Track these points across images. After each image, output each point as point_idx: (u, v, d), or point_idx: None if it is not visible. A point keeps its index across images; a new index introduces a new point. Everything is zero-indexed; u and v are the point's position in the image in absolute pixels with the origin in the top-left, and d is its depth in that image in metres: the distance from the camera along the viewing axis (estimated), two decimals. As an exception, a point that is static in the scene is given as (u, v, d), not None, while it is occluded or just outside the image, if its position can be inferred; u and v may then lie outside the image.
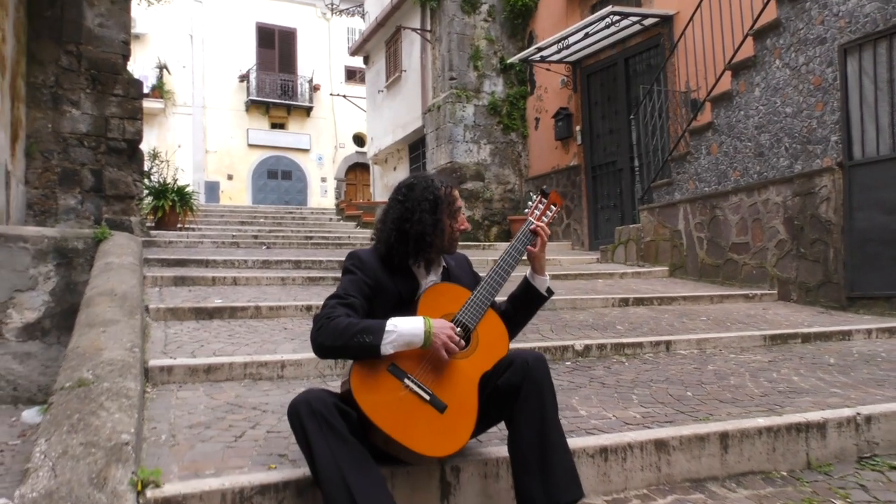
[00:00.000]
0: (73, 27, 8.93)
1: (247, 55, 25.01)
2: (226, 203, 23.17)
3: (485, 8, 11.50)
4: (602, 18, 8.49)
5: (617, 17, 8.48)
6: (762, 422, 2.73)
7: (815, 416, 2.82)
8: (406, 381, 2.01)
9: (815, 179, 6.02)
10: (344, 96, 20.87)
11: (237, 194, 24.66)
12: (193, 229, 9.86)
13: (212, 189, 24.29)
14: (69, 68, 8.90)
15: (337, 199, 24.29)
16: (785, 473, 2.68)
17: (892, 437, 2.91)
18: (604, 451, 2.42)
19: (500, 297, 2.34)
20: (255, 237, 9.50)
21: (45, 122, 8.67)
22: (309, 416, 1.85)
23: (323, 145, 26.19)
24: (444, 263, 2.34)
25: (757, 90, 6.75)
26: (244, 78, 24.96)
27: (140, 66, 22.99)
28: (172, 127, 23.80)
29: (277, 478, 2.00)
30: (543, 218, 2.45)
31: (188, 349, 3.55)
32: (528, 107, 11.68)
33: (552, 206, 2.49)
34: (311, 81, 25.82)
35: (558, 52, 9.74)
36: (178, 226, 9.65)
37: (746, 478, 2.62)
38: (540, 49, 9.81)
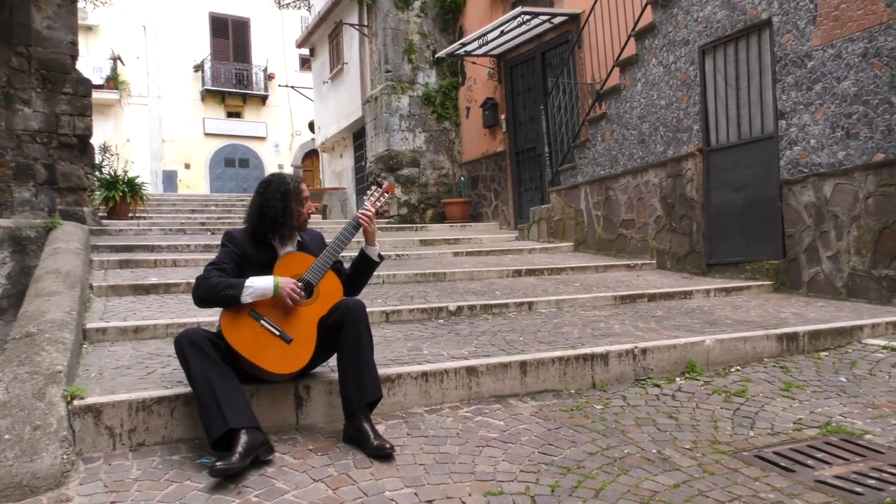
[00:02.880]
0: (22, 29, 9.50)
1: (201, 45, 25.37)
2: (183, 192, 23.66)
3: (417, 4, 12.26)
4: (514, 17, 9.32)
5: (527, 17, 9.31)
6: (557, 353, 3.62)
7: (599, 349, 3.72)
8: (262, 321, 2.84)
9: (683, 163, 6.96)
10: (292, 87, 21.47)
11: (195, 183, 25.14)
12: (144, 218, 10.53)
13: (170, 178, 24.73)
14: (20, 69, 9.48)
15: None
16: (573, 391, 3.58)
17: (664, 364, 3.83)
18: (425, 375, 3.28)
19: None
20: (203, 224, 10.21)
21: (-2, 121, 9.24)
22: (188, 344, 2.67)
23: (279, 133, 26.73)
24: (298, 238, 3.16)
25: (639, 85, 7.66)
26: (199, 68, 25.34)
27: (93, 57, 23.29)
28: (128, 117, 24.14)
29: (170, 393, 2.83)
30: (378, 202, 3.29)
31: (122, 316, 4.34)
32: (460, 97, 12.50)
33: (385, 194, 3.33)
34: (265, 70, 26.29)
35: (480, 46, 10.55)
36: (130, 215, 10.31)
37: (541, 394, 3.51)
38: (464, 44, 10.61)
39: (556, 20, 9.59)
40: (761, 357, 4.12)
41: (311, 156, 26.95)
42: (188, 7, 25.10)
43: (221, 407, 2.57)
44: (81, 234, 5.79)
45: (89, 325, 3.95)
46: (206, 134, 25.55)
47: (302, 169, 26.53)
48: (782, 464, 2.69)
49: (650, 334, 4.25)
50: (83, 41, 23.63)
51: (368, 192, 3.34)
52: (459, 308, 4.93)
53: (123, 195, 10.05)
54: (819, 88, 5.65)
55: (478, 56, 11.22)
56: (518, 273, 6.69)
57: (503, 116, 11.28)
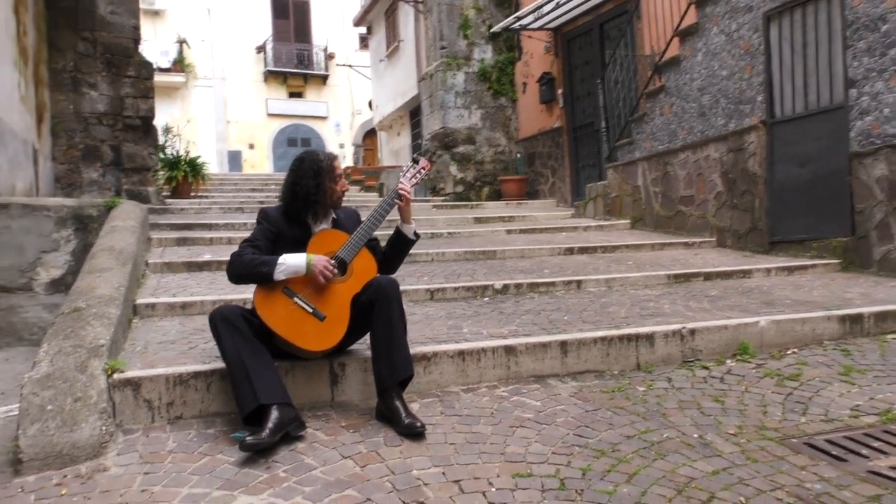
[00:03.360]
0: (87, 15, 9.81)
1: (263, 26, 25.74)
2: (248, 171, 24.18)
3: (473, -22, 12.07)
4: (570, -12, 9.07)
5: (583, -13, 9.04)
6: (599, 333, 3.52)
7: (644, 329, 3.60)
8: (295, 298, 2.85)
9: (745, 136, 6.65)
10: (350, 66, 21.55)
11: (259, 162, 25.66)
12: (206, 197, 10.79)
13: (234, 158, 25.32)
14: (86, 53, 9.80)
15: (355, 164, 25.13)
16: (616, 372, 3.48)
17: (714, 346, 3.68)
18: (461, 354, 3.24)
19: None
20: (261, 203, 10.38)
21: (67, 104, 9.61)
22: (221, 321, 2.69)
23: (340, 112, 26.97)
24: (333, 216, 3.15)
25: (699, 55, 7.35)
26: (261, 49, 25.74)
27: (160, 41, 23.94)
28: (194, 99, 24.76)
29: (207, 368, 2.87)
30: (413, 179, 3.24)
31: (173, 292, 4.45)
32: (516, 72, 12.29)
33: (422, 170, 3.28)
34: (325, 50, 26.50)
35: (536, 20, 10.33)
36: (192, 194, 10.59)
37: (582, 375, 3.42)
38: (519, 18, 10.41)
39: (615, -10, 9.27)
40: (821, 339, 3.91)
41: (371, 135, 27.09)
42: (250, -11, 25.45)
43: (253, 383, 2.59)
44: (139, 212, 5.95)
45: (140, 301, 4.06)
46: (269, 114, 25.99)
47: (363, 148, 26.72)
48: (834, 452, 2.54)
49: (701, 314, 4.09)
50: (150, 26, 24.32)
51: (404, 167, 3.29)
52: (505, 286, 4.85)
53: (185, 175, 10.32)
54: (894, 54, 5.29)
55: (534, 30, 11.00)
56: (570, 251, 6.55)
57: (560, 91, 11.04)
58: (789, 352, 3.76)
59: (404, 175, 3.24)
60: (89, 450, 2.48)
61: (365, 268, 3.01)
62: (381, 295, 2.84)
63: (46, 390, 2.59)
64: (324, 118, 26.82)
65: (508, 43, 12.29)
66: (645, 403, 3.06)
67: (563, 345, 3.41)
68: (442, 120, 11.87)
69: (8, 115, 7.04)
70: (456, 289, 4.74)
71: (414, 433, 2.63)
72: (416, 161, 3.29)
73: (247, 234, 7.06)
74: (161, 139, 10.91)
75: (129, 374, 2.75)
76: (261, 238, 2.97)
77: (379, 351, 2.82)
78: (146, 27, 24.26)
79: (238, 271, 2.84)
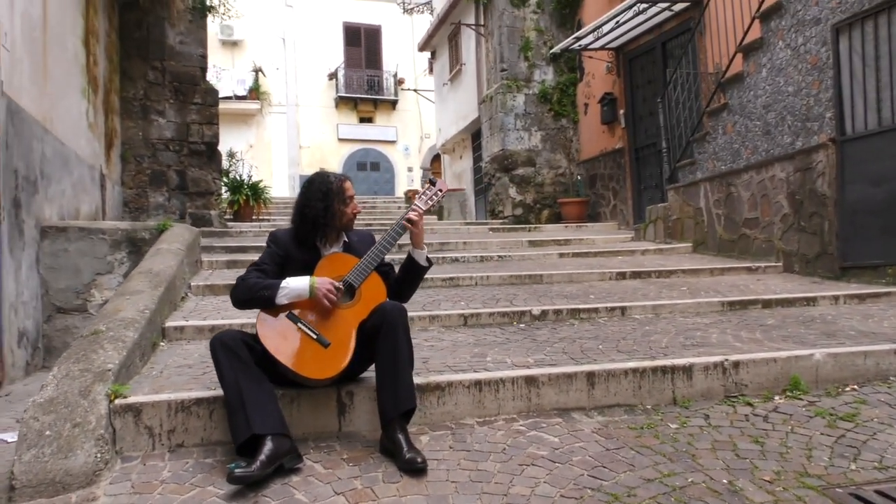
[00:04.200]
0: (157, 46, 10.20)
1: (335, 54, 26.35)
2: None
3: (534, 0, 11.96)
4: (630, 7, 8.83)
5: (644, 5, 8.79)
6: (630, 364, 3.29)
7: (682, 360, 3.34)
8: (299, 324, 2.75)
9: (813, 155, 6.25)
10: (415, 90, 21.73)
11: (329, 186, 26.12)
12: (267, 220, 10.99)
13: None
14: (155, 82, 10.19)
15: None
16: (649, 407, 3.24)
17: (760, 380, 3.38)
18: (478, 384, 3.07)
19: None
20: (320, 226, 10.48)
21: (136, 131, 10.00)
22: (220, 347, 2.62)
23: (409, 136, 27.23)
24: (345, 239, 3.05)
25: (764, 71, 6.99)
26: (333, 76, 26.33)
27: (237, 70, 24.82)
28: (268, 126, 25.51)
29: (210, 395, 2.80)
30: (430, 201, 3.12)
31: (204, 315, 4.45)
32: (577, 93, 12.08)
33: (438, 192, 3.16)
34: (395, 76, 26.89)
35: (596, 40, 10.12)
36: (254, 217, 10.79)
37: (611, 409, 3.19)
38: (578, 38, 10.22)
39: (677, 7, 8.99)
40: (886, 376, 3.55)
41: (438, 158, 27.26)
42: (323, 18, 26.15)
43: (248, 412, 2.50)
44: (188, 235, 6.05)
45: (169, 324, 4.07)
46: (340, 139, 26.49)
47: (431, 171, 26.86)
48: (882, 507, 2.25)
49: (750, 345, 3.78)
50: (229, 56, 25.31)
51: (420, 190, 3.17)
52: (543, 312, 4.65)
53: (247, 198, 10.54)
54: (974, 63, 4.86)
55: (595, 50, 10.78)
56: (622, 276, 6.28)
57: (622, 112, 10.76)
58: (847, 389, 3.42)
59: (419, 198, 3.12)
60: (82, 478, 2.43)
61: (374, 293, 2.90)
62: (385, 321, 2.72)
63: (47, 415, 2.57)
64: (393, 142, 27.14)
65: (570, 64, 12.10)
66: (675, 443, 2.81)
67: (590, 376, 3.20)
68: (501, 142, 11.76)
69: (74, 141, 7.32)
70: (491, 314, 4.57)
71: (414, 469, 2.48)
72: (432, 182, 3.17)
73: None
74: (225, 164, 11.21)
75: (131, 399, 2.71)
76: (268, 262, 2.91)
77: (383, 380, 2.70)
78: (225, 57, 25.33)
79: (241, 296, 2.78)
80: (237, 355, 2.61)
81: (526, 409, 3.12)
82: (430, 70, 26.24)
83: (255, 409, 2.51)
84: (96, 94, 8.40)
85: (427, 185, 3.17)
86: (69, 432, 2.52)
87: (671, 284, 5.94)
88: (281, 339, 2.72)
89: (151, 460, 2.63)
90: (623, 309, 4.80)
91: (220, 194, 10.67)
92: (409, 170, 27.15)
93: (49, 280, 6.06)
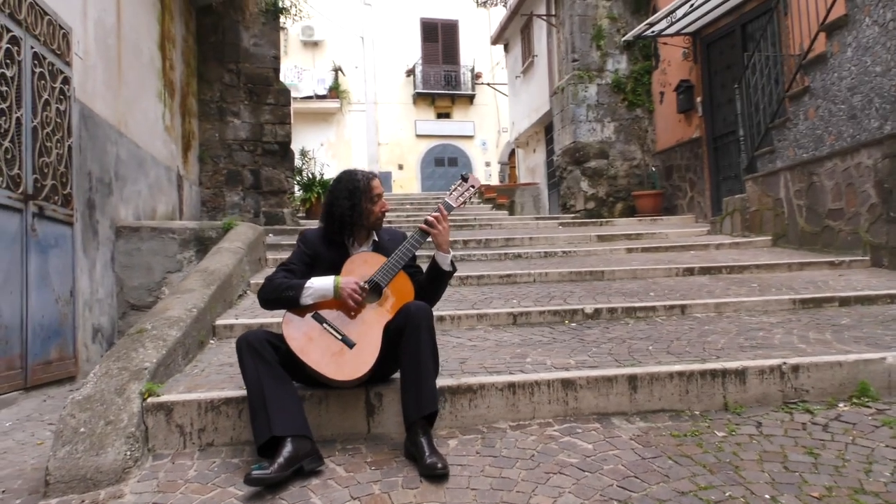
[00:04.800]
0: (232, 49, 10.51)
1: (412, 50, 26.51)
2: (397, 192, 24.91)
3: (606, -13, 11.63)
4: (704, -12, 8.43)
5: (719, -14, 8.37)
6: (677, 367, 3.11)
7: (734, 364, 3.13)
8: (324, 324, 2.73)
9: (902, 140, 5.78)
10: (489, 84, 21.56)
11: (407, 182, 26.35)
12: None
13: (385, 179, 26.15)
14: (231, 84, 10.49)
15: (500, 181, 25.13)
16: (697, 413, 3.05)
17: (824, 385, 3.13)
18: (512, 387, 2.97)
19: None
20: (390, 223, 10.55)
21: (213, 132, 10.33)
22: (245, 347, 2.63)
23: (486, 131, 27.10)
24: (375, 238, 3.01)
25: (849, 50, 6.52)
26: (410, 72, 26.51)
27: (318, 70, 25.35)
28: (348, 124, 25.95)
29: (239, 394, 2.82)
30: (461, 197, 3.03)
31: (258, 313, 4.52)
32: (653, 81, 11.65)
33: (471, 188, 3.07)
34: (472, 70, 26.80)
35: (670, 25, 9.72)
36: (325, 215, 10.96)
37: (655, 414, 3.03)
38: (651, 24, 9.85)
39: (755, -14, 8.51)
40: (972, 382, 3.22)
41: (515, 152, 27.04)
42: (401, 15, 26.34)
43: (269, 413, 2.50)
44: (251, 234, 6.18)
45: (220, 322, 4.15)
46: (418, 135, 26.64)
47: (508, 166, 26.68)
48: (943, 532, 2.02)
49: (816, 347, 3.51)
50: (310, 56, 25.89)
51: (452, 186, 3.09)
52: (597, 311, 4.48)
53: (318, 196, 10.71)
54: None
55: (670, 36, 10.36)
56: (689, 271, 6.00)
57: (699, 99, 10.30)
58: (924, 397, 3.12)
59: (450, 195, 3.04)
60: (112, 475, 2.49)
61: (401, 293, 2.84)
62: (410, 322, 2.66)
63: (83, 412, 2.65)
64: (470, 137, 27.08)
65: (644, 51, 11.69)
66: (718, 452, 2.63)
67: (632, 379, 3.04)
68: (573, 134, 11.49)
69: (150, 143, 7.62)
70: (541, 313, 4.44)
71: (434, 475, 2.41)
72: (464, 178, 3.08)
73: None
74: (298, 162, 11.44)
75: (163, 398, 2.76)
76: (296, 262, 2.90)
77: (406, 382, 2.64)
78: (306, 58, 25.93)
79: (267, 296, 2.78)
80: (261, 356, 2.61)
81: (563, 414, 2.99)
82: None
83: (276, 410, 2.50)
84: (173, 97, 8.71)
85: (459, 181, 3.08)
86: (102, 430, 2.59)
87: (742, 281, 5.63)
88: (306, 340, 2.70)
89: (181, 459, 2.67)
90: (683, 307, 4.57)
91: (292, 192, 10.91)
92: (487, 165, 27.03)
93: (123, 278, 6.33)
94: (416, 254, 2.95)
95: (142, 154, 7.26)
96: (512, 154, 26.95)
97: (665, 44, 10.78)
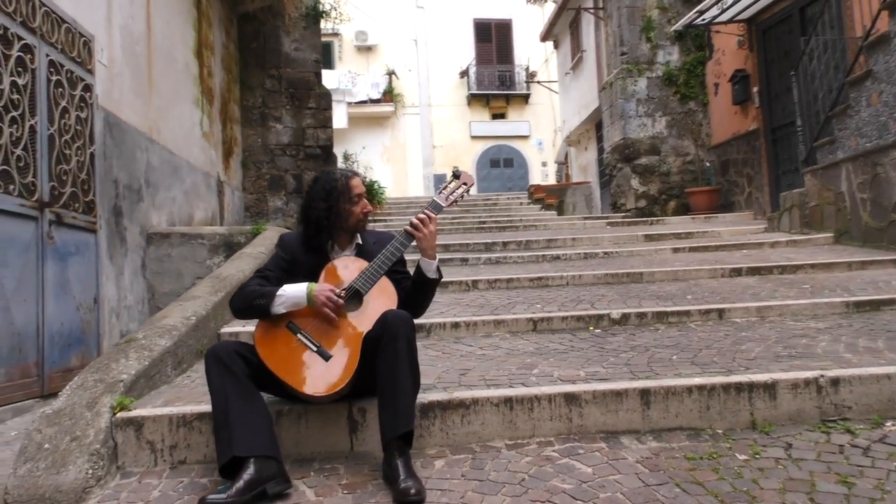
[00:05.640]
0: (273, 54, 10.53)
1: (466, 51, 26.31)
2: (452, 193, 24.71)
3: (656, -24, 11.16)
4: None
5: (772, -33, 7.86)
6: (696, 381, 2.79)
7: (762, 377, 2.79)
8: (299, 335, 2.54)
9: (974, 124, 5.23)
10: (539, 82, 21.16)
11: (463, 185, 26.11)
12: (382, 220, 11.02)
13: (440, 181, 25.97)
14: (272, 90, 10.51)
15: (557, 181, 24.66)
16: (720, 431, 2.72)
17: (869, 401, 2.76)
18: (509, 402, 2.71)
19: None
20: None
21: (255, 138, 10.36)
22: (213, 360, 2.46)
23: (542, 130, 26.66)
24: (359, 241, 2.80)
25: (913, 28, 5.97)
26: (464, 73, 26.32)
27: (372, 74, 25.44)
28: (402, 127, 25.95)
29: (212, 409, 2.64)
30: (452, 195, 2.80)
31: (268, 319, 4.37)
32: (707, 73, 11.11)
33: (463, 185, 2.82)
34: (527, 69, 26.42)
35: (722, 12, 9.22)
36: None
37: (671, 433, 2.72)
38: (701, 12, 9.36)
39: (812, -34, 7.96)
40: None
41: (574, 151, 26.48)
42: (454, 16, 26.19)
43: (232, 430, 2.32)
44: (276, 237, 6.08)
45: (224, 330, 4.02)
46: (472, 137, 26.42)
47: (565, 165, 26.17)
48: None
49: (864, 357, 3.13)
50: (364, 60, 26.01)
51: (442, 184, 2.86)
52: (624, 316, 4.16)
53: (361, 200, 10.61)
54: None
55: (724, 24, 9.85)
56: (736, 272, 5.58)
57: (755, 89, 9.75)
58: None
59: (440, 193, 2.80)
60: (72, 495, 2.36)
61: (383, 301, 2.62)
62: (386, 331, 2.44)
63: (51, 427, 2.53)
64: (526, 137, 26.70)
65: (697, 41, 11.16)
66: (736, 479, 2.31)
67: (644, 394, 2.74)
68: (622, 130, 11.07)
69: (186, 150, 7.64)
70: (564, 318, 4.15)
71: (406, 502, 2.18)
72: (456, 175, 2.85)
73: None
74: (341, 166, 11.38)
75: (133, 413, 2.62)
76: (272, 268, 2.72)
77: (382, 397, 2.42)
78: (360, 62, 26.06)
79: (238, 304, 2.60)
80: (229, 369, 2.43)
81: (566, 431, 2.72)
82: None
83: (239, 428, 2.32)
84: (211, 104, 8.74)
85: (451, 178, 2.84)
86: (66, 446, 2.46)
87: (793, 282, 5.19)
88: (278, 351, 2.51)
89: (149, 478, 2.52)
90: (720, 311, 4.20)
91: (335, 196, 10.84)
92: (544, 164, 26.58)
93: (154, 284, 6.32)
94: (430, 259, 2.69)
95: (176, 160, 7.27)
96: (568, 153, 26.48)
97: (718, 32, 10.26)
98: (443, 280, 5.22)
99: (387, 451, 2.36)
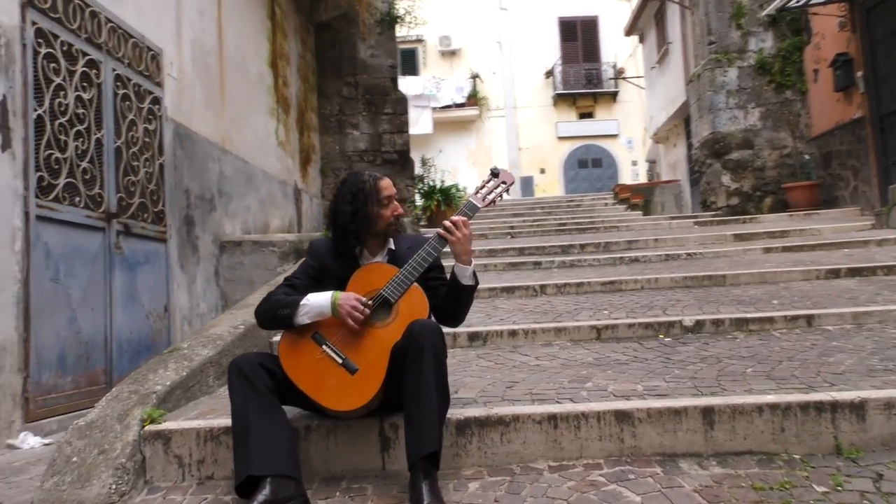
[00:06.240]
0: (350, 62, 10.61)
1: (551, 51, 25.88)
2: (539, 196, 24.36)
3: (745, -41, 10.50)
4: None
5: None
6: (768, 399, 2.46)
7: (848, 395, 2.44)
8: (324, 346, 2.40)
9: None
10: (625, 78, 20.47)
11: (550, 186, 25.70)
12: (460, 224, 10.86)
13: (527, 184, 25.70)
14: (349, 97, 10.58)
15: (648, 180, 23.81)
16: (797, 457, 2.39)
17: None
18: (553, 419, 2.47)
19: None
20: (512, 227, 10.14)
21: (333, 145, 10.46)
22: (235, 373, 2.35)
23: (631, 128, 25.86)
24: (391, 246, 2.63)
25: None
26: (549, 74, 25.90)
27: (456, 78, 25.42)
28: (487, 130, 25.79)
29: (242, 421, 2.54)
30: (490, 195, 2.59)
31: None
32: (805, 59, 10.34)
33: (502, 184, 2.61)
34: (615, 66, 25.72)
35: (818, -9, 8.55)
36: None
37: (739, 458, 2.41)
38: (794, -7, 8.72)
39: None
40: None
41: (666, 149, 25.50)
42: (538, 16, 25.82)
43: (249, 448, 2.20)
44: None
45: (276, 338, 3.95)
46: (559, 137, 25.95)
47: (656, 163, 25.28)
48: None
49: (977, 372, 2.70)
50: (448, 65, 26.04)
51: (479, 183, 2.66)
52: (698, 323, 3.81)
53: (438, 204, 10.52)
54: None
55: (821, 4, 9.14)
56: (833, 273, 5.08)
57: (860, 74, 8.97)
58: None
59: (476, 194, 2.60)
60: (94, 509, 2.30)
61: (415, 309, 2.44)
62: (412, 343, 2.26)
63: (81, 439, 2.50)
64: (614, 136, 25.97)
65: (793, 25, 10.42)
66: (811, 516, 2.00)
67: (707, 412, 2.44)
68: (711, 124, 10.46)
69: (261, 159, 7.75)
70: (631, 326, 3.85)
71: (426, 531, 2.00)
72: (494, 174, 2.64)
73: (482, 262, 6.78)
74: (419, 171, 11.33)
75: (162, 426, 2.55)
76: (300, 275, 2.59)
77: (408, 414, 2.25)
78: (444, 67, 26.10)
79: (263, 315, 2.48)
80: (250, 383, 2.32)
81: (618, 453, 2.45)
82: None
83: (257, 445, 2.20)
84: (287, 113, 8.86)
85: (488, 178, 2.63)
86: (93, 459, 2.42)
87: (899, 283, 4.66)
88: (303, 364, 2.38)
89: (174, 493, 2.44)
90: (809, 318, 3.78)
91: (413, 201, 10.80)
92: (634, 164, 25.75)
93: (228, 292, 6.41)
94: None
95: (251, 170, 7.38)
96: (660, 151, 25.54)
97: (816, 14, 9.53)
98: (510, 286, 5.02)
99: (412, 471, 2.18)
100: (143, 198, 5.09)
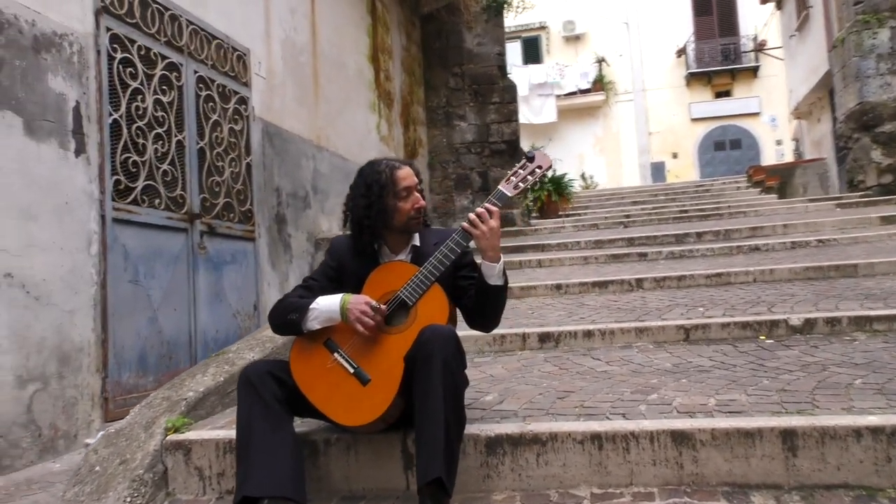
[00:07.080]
0: (456, 52, 10.42)
1: (682, 28, 24.41)
2: (671, 181, 23.08)
3: None
4: None
5: None
6: (873, 420, 1.98)
7: (978, 419, 1.91)
8: (336, 354, 2.19)
9: None
10: (761, 51, 18.84)
11: (683, 171, 24.30)
12: (574, 215, 10.41)
13: (657, 170, 24.48)
14: (456, 88, 10.41)
15: (795, 159, 21.90)
16: (906, 495, 1.90)
17: None
18: (597, 439, 2.13)
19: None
20: (627, 216, 9.56)
21: (440, 138, 10.33)
22: (243, 383, 2.19)
23: (774, 105, 23.85)
24: (415, 242, 2.37)
25: None
26: (681, 52, 24.45)
27: (580, 64, 24.62)
28: (615, 115, 24.79)
29: (262, 432, 2.39)
30: (522, 183, 2.28)
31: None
32: (972, 11, 8.98)
33: (536, 170, 2.29)
34: (755, 39, 23.85)
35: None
36: (559, 213, 10.32)
37: (829, 492, 1.96)
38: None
39: None
40: None
41: (815, 125, 23.32)
42: (669, -7, 24.47)
43: (248, 466, 2.03)
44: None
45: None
46: (693, 119, 24.47)
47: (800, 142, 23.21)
48: None
49: None
50: (573, 50, 25.27)
51: (512, 169, 2.34)
52: (808, 322, 3.26)
53: (549, 194, 10.12)
54: None
55: None
56: None
57: None
58: None
59: (507, 181, 2.29)
60: (108, 522, 2.23)
61: (433, 313, 2.17)
62: (420, 352, 2.00)
63: (108, 448, 2.45)
64: (755, 115, 24.09)
65: (957, -25, 9.07)
66: (912, 579, 1.54)
67: (788, 435, 2.00)
68: (858, 94, 9.32)
69: (360, 155, 7.71)
70: (725, 325, 3.35)
71: (424, 570, 1.73)
72: (529, 158, 2.31)
73: (556, 255, 6.44)
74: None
75: (183, 436, 2.45)
76: (317, 276, 2.39)
77: (417, 432, 1.99)
78: (568, 53, 25.35)
79: (275, 320, 2.30)
80: (258, 393, 2.14)
81: (676, 481, 2.07)
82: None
83: (258, 462, 2.02)
84: (390, 107, 8.80)
85: (522, 163, 2.31)
86: (113, 469, 2.35)
87: None
88: (314, 372, 2.18)
89: (190, 507, 2.33)
90: (952, 315, 3.13)
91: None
92: (778, 143, 23.77)
93: (324, 289, 6.39)
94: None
95: (349, 166, 7.34)
96: (808, 128, 23.43)
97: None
98: (602, 280, 4.61)
99: (420, 496, 1.93)
100: (229, 197, 5.13)
